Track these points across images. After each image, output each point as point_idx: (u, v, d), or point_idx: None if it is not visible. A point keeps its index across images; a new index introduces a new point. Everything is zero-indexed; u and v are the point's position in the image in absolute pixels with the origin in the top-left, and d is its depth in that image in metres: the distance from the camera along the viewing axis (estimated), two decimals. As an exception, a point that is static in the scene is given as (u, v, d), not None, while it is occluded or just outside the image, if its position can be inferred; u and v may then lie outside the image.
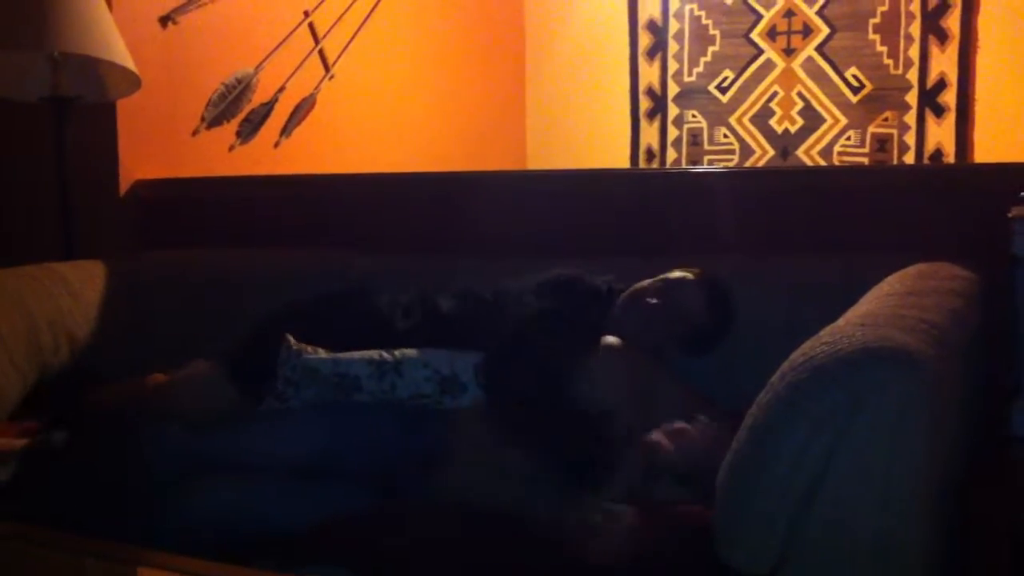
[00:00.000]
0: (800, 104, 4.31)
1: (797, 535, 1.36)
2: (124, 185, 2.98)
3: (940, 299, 1.71)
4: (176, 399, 2.10)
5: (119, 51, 2.66)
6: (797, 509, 1.35)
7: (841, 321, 1.55)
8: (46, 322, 2.48)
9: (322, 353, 2.06)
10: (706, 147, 4.48)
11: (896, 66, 4.15)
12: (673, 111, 4.53)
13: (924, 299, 1.68)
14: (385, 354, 2.03)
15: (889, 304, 1.63)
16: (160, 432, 1.89)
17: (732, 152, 4.43)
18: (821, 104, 4.28)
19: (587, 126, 4.67)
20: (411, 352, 2.04)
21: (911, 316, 1.54)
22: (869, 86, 4.20)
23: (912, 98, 4.13)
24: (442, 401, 2.00)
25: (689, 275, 2.15)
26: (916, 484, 1.36)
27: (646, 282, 2.16)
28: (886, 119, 4.18)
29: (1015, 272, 1.79)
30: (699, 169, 4.07)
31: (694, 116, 4.50)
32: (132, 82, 2.75)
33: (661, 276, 2.16)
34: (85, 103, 2.79)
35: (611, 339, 2.06)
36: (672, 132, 4.54)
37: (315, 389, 2.01)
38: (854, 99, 4.23)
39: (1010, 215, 1.81)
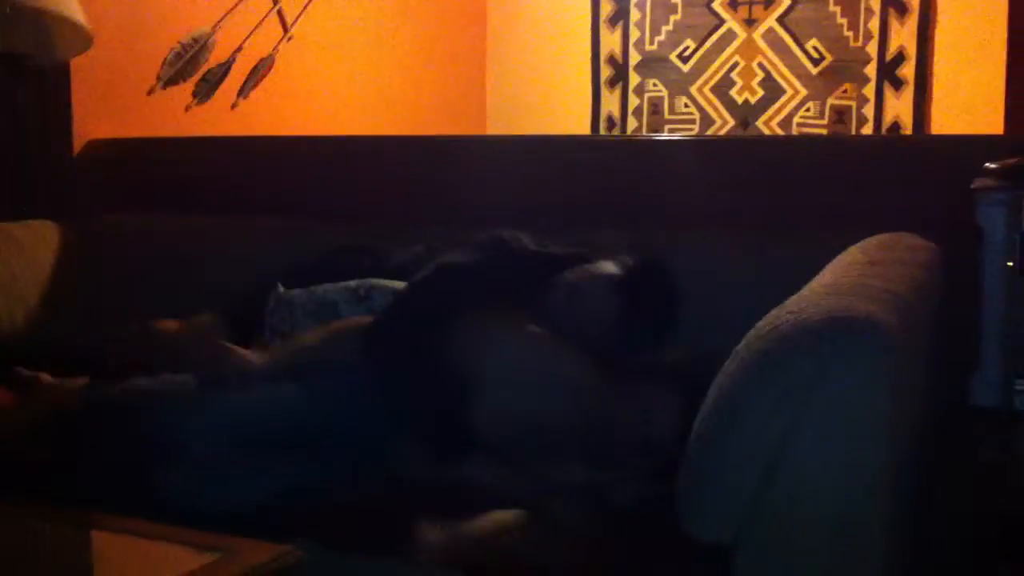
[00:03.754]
0: (761, 75, 4.32)
1: (759, 506, 1.37)
2: (78, 145, 2.92)
3: (902, 270, 1.72)
4: (183, 351, 2.07)
5: (72, 5, 2.60)
6: (760, 479, 1.36)
7: (806, 290, 1.56)
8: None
9: None
10: (667, 116, 4.47)
11: (856, 38, 4.16)
12: (634, 79, 4.52)
13: (887, 269, 1.69)
14: (360, 283, 2.08)
15: (853, 274, 1.64)
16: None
17: (693, 121, 4.43)
18: (781, 75, 4.28)
19: (548, 93, 4.64)
20: (383, 281, 2.08)
21: (875, 286, 1.54)
22: (829, 58, 4.21)
23: (871, 71, 4.15)
24: None
25: (614, 268, 1.97)
26: (879, 454, 1.37)
27: (572, 271, 1.99)
28: (845, 91, 4.20)
29: (978, 243, 1.80)
30: (660, 137, 4.07)
31: (655, 85, 4.49)
32: (84, 39, 2.68)
33: (586, 266, 1.99)
34: (38, 61, 2.73)
35: (533, 328, 1.89)
36: (633, 101, 4.53)
37: (294, 323, 2.05)
38: (814, 71, 4.24)
39: (973, 187, 1.83)
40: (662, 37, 4.47)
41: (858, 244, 1.89)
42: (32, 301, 2.54)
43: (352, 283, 2.08)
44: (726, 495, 1.39)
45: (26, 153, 2.72)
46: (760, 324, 1.41)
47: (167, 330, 2.21)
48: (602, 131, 4.54)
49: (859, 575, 1.39)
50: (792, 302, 1.46)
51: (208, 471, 1.71)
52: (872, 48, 4.14)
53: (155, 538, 1.37)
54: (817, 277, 1.68)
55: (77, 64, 2.85)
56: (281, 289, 2.14)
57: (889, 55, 4.11)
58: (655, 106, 4.50)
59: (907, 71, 4.09)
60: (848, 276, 1.63)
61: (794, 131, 4.25)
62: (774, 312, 1.43)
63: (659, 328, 1.96)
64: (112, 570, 1.44)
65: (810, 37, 4.23)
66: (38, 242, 2.63)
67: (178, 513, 1.47)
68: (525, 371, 1.79)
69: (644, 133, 4.48)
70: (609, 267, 1.98)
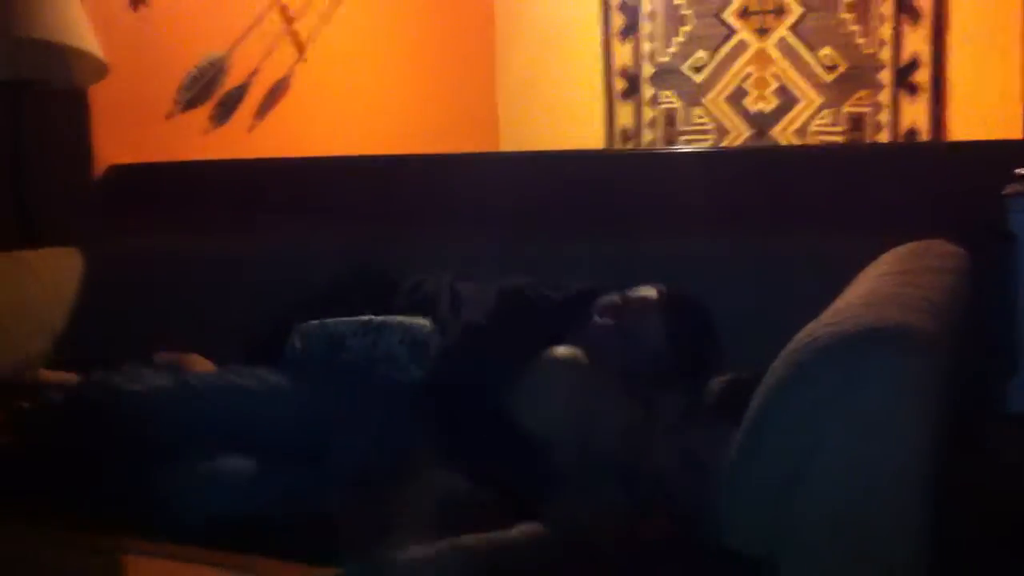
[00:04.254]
0: (774, 84, 4.31)
1: (789, 516, 1.36)
2: (98, 170, 2.93)
3: (935, 277, 1.71)
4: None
5: (85, 36, 2.61)
6: (789, 490, 1.35)
7: (840, 302, 1.55)
8: (12, 311, 2.44)
9: None
10: (681, 127, 4.47)
11: (869, 45, 4.15)
12: (648, 91, 4.52)
13: (920, 277, 1.68)
14: (373, 316, 2.08)
15: (887, 283, 1.63)
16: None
17: (708, 132, 4.42)
18: (795, 84, 4.27)
19: (561, 107, 4.62)
20: (396, 317, 2.08)
21: (910, 294, 1.54)
22: (843, 65, 4.19)
23: (886, 77, 4.13)
24: (409, 368, 2.01)
25: (653, 293, 1.95)
26: (910, 465, 1.36)
27: (608, 297, 1.99)
28: (860, 98, 4.18)
29: (1011, 249, 1.79)
30: (679, 150, 4.06)
31: (668, 96, 4.49)
32: (100, 68, 2.70)
33: (624, 292, 1.98)
34: (52, 88, 2.74)
35: (561, 350, 1.90)
36: (647, 113, 4.52)
37: (307, 355, 2.06)
38: (828, 78, 4.23)
39: (1004, 193, 1.81)
40: (674, 48, 4.46)
41: (889, 252, 1.87)
42: (52, 327, 2.54)
43: (364, 317, 2.09)
44: (755, 506, 1.40)
45: (47, 179, 2.73)
46: (799, 336, 1.41)
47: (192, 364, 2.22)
48: (617, 144, 4.54)
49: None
50: (828, 314, 1.46)
51: (209, 476, 1.72)
52: (886, 54, 4.13)
53: (184, 560, 1.36)
54: (850, 287, 1.67)
55: (96, 90, 2.86)
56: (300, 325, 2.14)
57: (903, 61, 4.10)
58: (670, 118, 4.49)
59: (922, 76, 4.07)
60: (882, 285, 1.63)
61: (809, 139, 4.23)
62: (812, 324, 1.43)
63: (702, 352, 1.93)
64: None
65: (823, 45, 4.22)
66: (58, 268, 2.63)
67: (179, 515, 1.48)
68: (573, 411, 1.79)
69: (660, 145, 4.47)
70: (648, 291, 1.97)
